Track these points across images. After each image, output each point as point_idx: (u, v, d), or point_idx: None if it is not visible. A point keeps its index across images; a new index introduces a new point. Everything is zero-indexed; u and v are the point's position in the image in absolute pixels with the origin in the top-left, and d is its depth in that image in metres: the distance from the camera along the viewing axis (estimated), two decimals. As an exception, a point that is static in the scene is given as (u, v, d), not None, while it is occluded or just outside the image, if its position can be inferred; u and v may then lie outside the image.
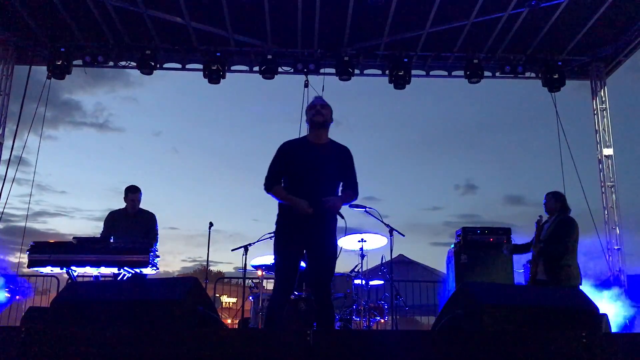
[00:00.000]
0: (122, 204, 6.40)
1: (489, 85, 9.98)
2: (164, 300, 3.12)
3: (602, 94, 9.44)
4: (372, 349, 2.73)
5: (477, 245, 7.02)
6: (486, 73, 9.28)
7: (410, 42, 8.91)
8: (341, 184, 4.15)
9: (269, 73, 9.03)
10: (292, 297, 6.11)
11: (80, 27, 8.68)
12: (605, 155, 9.21)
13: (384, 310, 6.77)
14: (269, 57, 8.95)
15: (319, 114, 4.09)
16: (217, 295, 10.65)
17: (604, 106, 9.41)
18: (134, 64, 9.17)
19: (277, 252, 4.04)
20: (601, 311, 3.31)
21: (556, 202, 5.88)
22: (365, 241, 6.28)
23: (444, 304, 3.55)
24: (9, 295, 7.59)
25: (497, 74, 9.46)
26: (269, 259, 6.18)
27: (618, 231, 8.88)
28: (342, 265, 9.73)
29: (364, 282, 6.49)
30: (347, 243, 6.26)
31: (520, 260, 6.98)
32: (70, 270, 5.47)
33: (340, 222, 4.15)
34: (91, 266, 5.41)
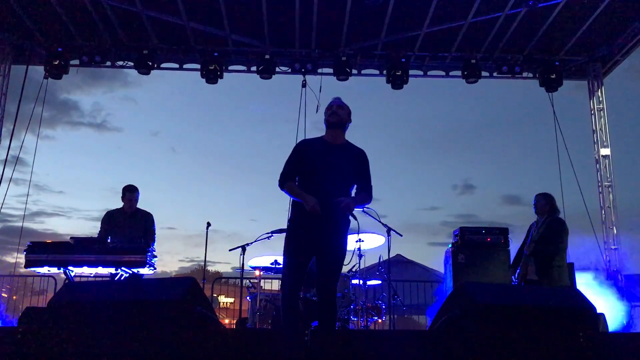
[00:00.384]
0: (120, 204, 6.40)
1: (487, 85, 10.01)
2: (162, 301, 3.11)
3: (600, 94, 9.46)
4: (370, 348, 2.73)
5: (475, 245, 7.02)
6: (484, 73, 9.29)
7: (408, 42, 8.91)
8: (355, 186, 4.15)
9: (266, 73, 9.03)
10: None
11: (78, 26, 8.67)
12: (602, 155, 9.23)
13: (381, 310, 6.77)
14: (267, 57, 8.96)
15: (334, 114, 4.08)
16: (215, 295, 10.65)
17: (601, 106, 9.43)
18: (131, 63, 9.16)
19: (286, 251, 4.03)
20: (598, 311, 3.31)
21: (546, 203, 6.01)
22: (362, 241, 6.27)
23: (441, 304, 3.55)
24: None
25: (495, 74, 9.48)
26: (266, 259, 6.18)
27: (615, 231, 8.90)
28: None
29: (361, 282, 6.48)
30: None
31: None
32: (67, 271, 5.46)
33: (352, 223, 4.18)
34: (88, 266, 5.41)
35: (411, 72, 9.24)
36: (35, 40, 8.92)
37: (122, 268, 5.42)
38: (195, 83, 9.33)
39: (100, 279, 5.73)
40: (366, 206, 4.30)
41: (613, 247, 8.84)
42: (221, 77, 9.11)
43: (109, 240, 5.97)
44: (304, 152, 4.08)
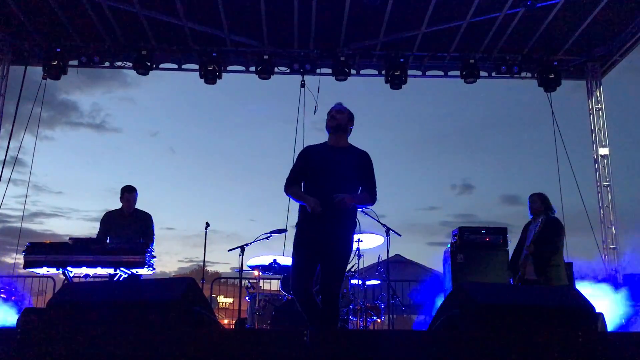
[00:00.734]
0: (119, 205, 6.40)
1: (485, 85, 10.01)
2: (160, 301, 3.11)
3: (598, 94, 9.47)
4: (369, 348, 2.73)
5: (474, 245, 7.02)
6: (482, 73, 9.29)
7: (407, 42, 8.91)
8: (360, 188, 4.24)
9: (265, 73, 9.03)
10: (291, 297, 6.14)
11: (76, 27, 8.66)
12: (601, 155, 9.24)
13: (380, 310, 6.78)
14: (265, 57, 8.95)
15: (332, 118, 4.22)
16: (214, 295, 10.66)
17: (599, 106, 9.44)
18: (129, 64, 9.15)
19: (293, 252, 4.16)
20: (597, 310, 3.31)
21: (542, 203, 6.05)
22: (361, 241, 6.28)
23: (440, 304, 3.55)
24: (4, 296, 7.56)
25: (493, 74, 9.48)
26: (265, 260, 6.18)
27: (614, 230, 8.91)
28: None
29: (360, 281, 6.49)
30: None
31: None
32: (66, 271, 5.45)
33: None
34: (87, 267, 5.39)
35: (410, 72, 9.24)
36: (33, 41, 8.91)
37: (121, 269, 5.40)
38: (194, 83, 9.34)
39: (99, 279, 5.70)
40: (368, 207, 4.40)
41: (612, 246, 8.85)
42: (220, 78, 9.11)
43: (107, 241, 5.97)
44: (308, 158, 4.24)
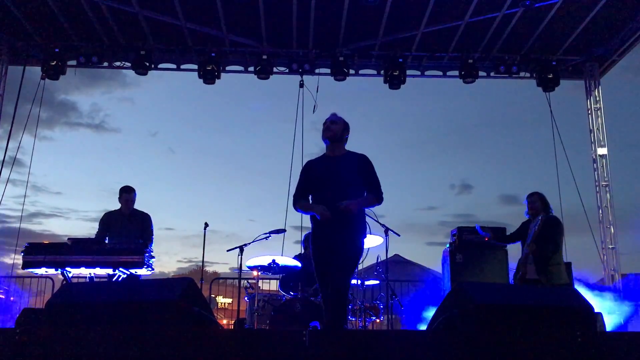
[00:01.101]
0: (118, 205, 6.40)
1: (484, 85, 10.01)
2: (159, 301, 3.11)
3: (597, 94, 9.47)
4: (368, 349, 2.73)
5: (473, 245, 7.02)
6: (481, 73, 9.29)
7: (405, 42, 8.92)
8: (366, 192, 4.33)
9: (263, 73, 9.03)
10: (290, 297, 6.14)
11: (75, 27, 8.65)
12: (599, 155, 9.25)
13: (379, 310, 6.78)
14: (264, 57, 8.96)
15: (327, 129, 4.35)
16: (213, 295, 10.64)
17: (598, 106, 9.44)
18: (128, 64, 9.15)
19: (312, 259, 4.28)
20: (596, 310, 3.32)
21: (541, 202, 6.04)
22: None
23: (439, 304, 3.55)
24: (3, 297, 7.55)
25: (492, 73, 9.48)
26: (264, 260, 6.17)
27: (612, 230, 8.91)
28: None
29: (359, 282, 6.49)
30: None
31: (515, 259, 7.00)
32: (65, 272, 5.44)
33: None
34: (86, 267, 5.39)
35: (408, 72, 9.24)
36: (32, 41, 8.90)
37: (120, 269, 5.40)
38: (192, 83, 9.33)
39: (99, 279, 5.70)
40: (376, 206, 4.51)
41: (610, 246, 8.85)
42: (219, 78, 9.10)
43: (106, 241, 5.96)
44: (310, 172, 4.41)
